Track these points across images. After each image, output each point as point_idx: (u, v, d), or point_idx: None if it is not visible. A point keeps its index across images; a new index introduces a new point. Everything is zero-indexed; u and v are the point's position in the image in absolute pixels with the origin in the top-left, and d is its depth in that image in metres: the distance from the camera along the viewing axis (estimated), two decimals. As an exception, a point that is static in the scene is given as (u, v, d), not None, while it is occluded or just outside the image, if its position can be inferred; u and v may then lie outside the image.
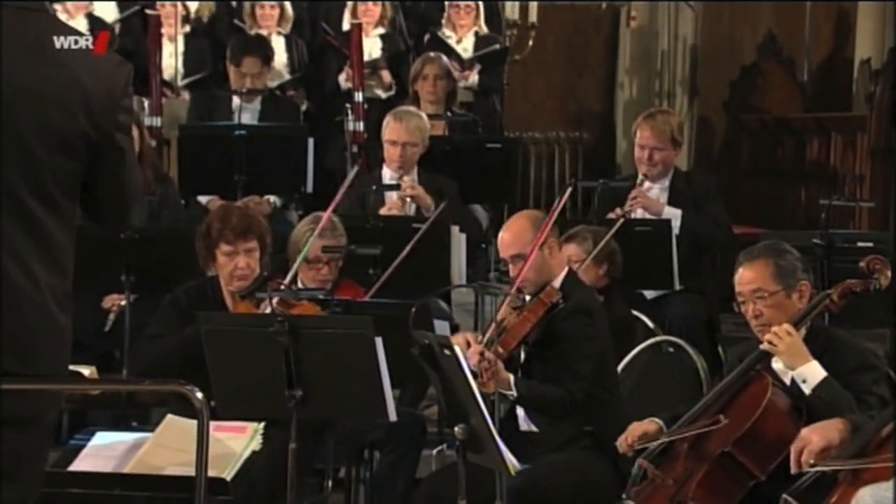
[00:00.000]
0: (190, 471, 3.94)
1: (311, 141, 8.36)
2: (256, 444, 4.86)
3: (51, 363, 3.77)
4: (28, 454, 3.82)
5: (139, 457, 4.79)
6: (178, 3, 9.85)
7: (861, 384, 4.79)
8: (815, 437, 4.46)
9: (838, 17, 11.39)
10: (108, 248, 6.65)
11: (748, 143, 11.78)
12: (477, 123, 9.21)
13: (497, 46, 10.16)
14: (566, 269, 5.67)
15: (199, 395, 3.78)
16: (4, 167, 3.68)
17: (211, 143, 8.28)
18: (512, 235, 5.66)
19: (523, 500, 5.12)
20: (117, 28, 10.04)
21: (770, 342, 4.81)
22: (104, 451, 4.86)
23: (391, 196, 7.61)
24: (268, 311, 5.52)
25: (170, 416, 4.89)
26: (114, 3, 10.28)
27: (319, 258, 6.24)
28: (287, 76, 9.83)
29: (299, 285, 6.16)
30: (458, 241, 6.95)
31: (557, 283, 5.55)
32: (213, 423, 4.43)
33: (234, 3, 10.57)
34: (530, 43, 11.18)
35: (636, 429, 5.04)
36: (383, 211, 7.51)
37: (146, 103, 8.89)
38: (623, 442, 5.04)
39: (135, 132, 7.38)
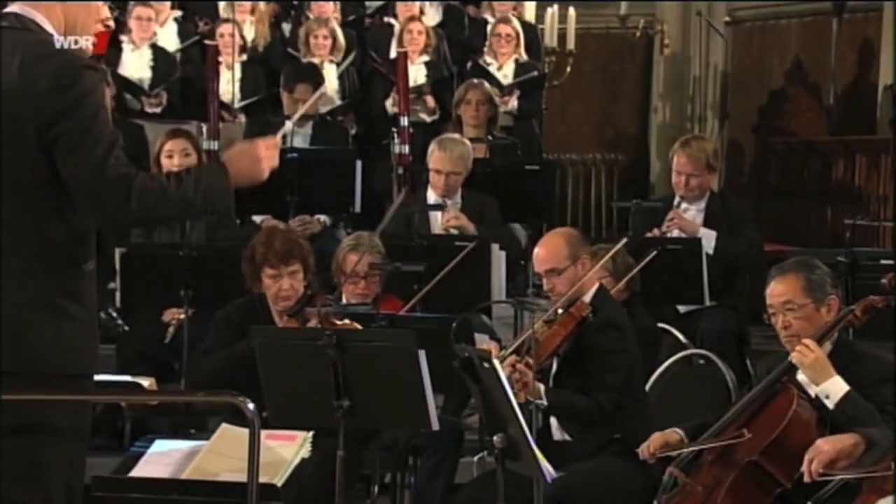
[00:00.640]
0: (243, 477, 3.96)
1: (359, 163, 8.36)
2: (306, 451, 4.84)
3: (45, 360, 3.77)
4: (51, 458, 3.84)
5: (195, 463, 4.79)
6: (236, 33, 9.87)
7: (883, 395, 4.75)
8: (826, 447, 4.45)
9: (862, 44, 11.31)
10: (168, 265, 6.71)
11: (776, 165, 11.72)
12: (516, 146, 9.21)
13: (535, 73, 10.13)
14: (597, 284, 5.66)
15: (251, 405, 3.80)
16: None
17: (266, 165, 8.27)
18: (547, 251, 5.63)
19: (560, 504, 5.12)
20: (178, 57, 10.10)
21: (796, 356, 4.80)
22: (162, 457, 4.85)
23: (435, 216, 7.61)
24: (313, 324, 5.54)
25: (224, 425, 4.89)
26: (175, 34, 10.33)
27: (359, 273, 6.25)
28: (337, 102, 9.84)
29: (343, 300, 6.17)
30: (498, 258, 6.95)
31: (588, 297, 5.54)
32: (264, 432, 4.44)
33: (287, 33, 10.62)
34: (568, 69, 11.16)
35: (658, 438, 5.04)
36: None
37: (204, 128, 8.93)
38: (645, 450, 5.04)
39: (192, 154, 7.51)
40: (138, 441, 5.12)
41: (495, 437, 4.61)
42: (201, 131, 8.87)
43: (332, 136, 9.25)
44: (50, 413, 3.81)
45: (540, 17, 11.02)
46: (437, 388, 5.00)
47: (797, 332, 4.88)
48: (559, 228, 6.16)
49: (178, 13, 10.49)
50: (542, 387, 5.33)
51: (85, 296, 3.86)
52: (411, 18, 10.13)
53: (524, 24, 10.40)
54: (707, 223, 7.33)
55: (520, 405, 4.77)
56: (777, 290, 4.96)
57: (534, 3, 11.02)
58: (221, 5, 10.68)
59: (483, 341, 6.01)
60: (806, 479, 4.48)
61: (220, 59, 9.58)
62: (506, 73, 10.01)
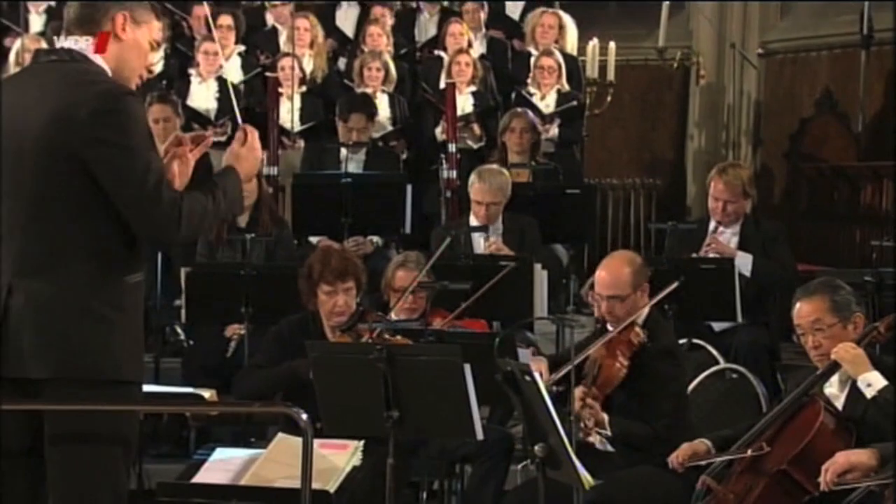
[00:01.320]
0: (297, 483, 3.97)
1: (409, 187, 8.38)
2: (357, 459, 4.85)
3: (88, 366, 3.77)
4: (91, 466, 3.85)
5: (253, 470, 4.80)
6: (296, 66, 9.92)
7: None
8: (842, 458, 4.43)
9: (889, 75, 11.22)
10: (230, 283, 6.74)
11: (806, 189, 11.65)
12: (558, 171, 9.18)
13: (575, 103, 10.12)
14: (647, 308, 5.62)
15: (304, 415, 3.80)
16: (22, 192, 3.76)
17: (321, 189, 8.32)
18: (612, 278, 5.57)
19: (599, 511, 5.10)
20: (242, 88, 10.16)
21: (837, 353, 4.78)
22: (223, 464, 4.87)
23: (479, 238, 7.60)
24: (365, 339, 5.54)
25: (280, 434, 4.90)
26: (239, 67, 10.39)
27: (404, 287, 6.25)
28: (389, 128, 9.86)
29: (392, 317, 6.17)
30: (541, 277, 6.94)
31: (640, 319, 5.51)
32: (317, 441, 4.45)
33: (342, 66, 10.66)
34: (609, 99, 11.11)
35: (686, 448, 5.03)
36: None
37: (264, 154, 8.96)
38: (674, 459, 5.02)
39: (252, 179, 7.52)
40: (200, 449, 5.14)
41: (536, 447, 4.60)
42: (262, 158, 8.90)
43: (384, 162, 9.26)
44: (97, 420, 3.81)
45: (582, 49, 10.99)
46: (482, 399, 5.00)
47: (827, 351, 4.86)
48: (625, 252, 6.08)
49: (242, 48, 10.53)
50: (606, 417, 5.33)
51: (128, 306, 3.86)
52: (459, 51, 10.13)
53: (566, 56, 10.37)
54: (742, 245, 7.29)
55: (562, 416, 4.77)
56: (804, 311, 4.93)
57: (576, 37, 11.00)
58: (282, 40, 10.73)
59: (526, 356, 5.98)
60: (822, 487, 4.46)
61: (281, 89, 9.65)
62: (548, 103, 10.00)
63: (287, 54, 10.06)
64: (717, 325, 7.18)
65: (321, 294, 5.94)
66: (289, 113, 9.74)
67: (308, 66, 10.33)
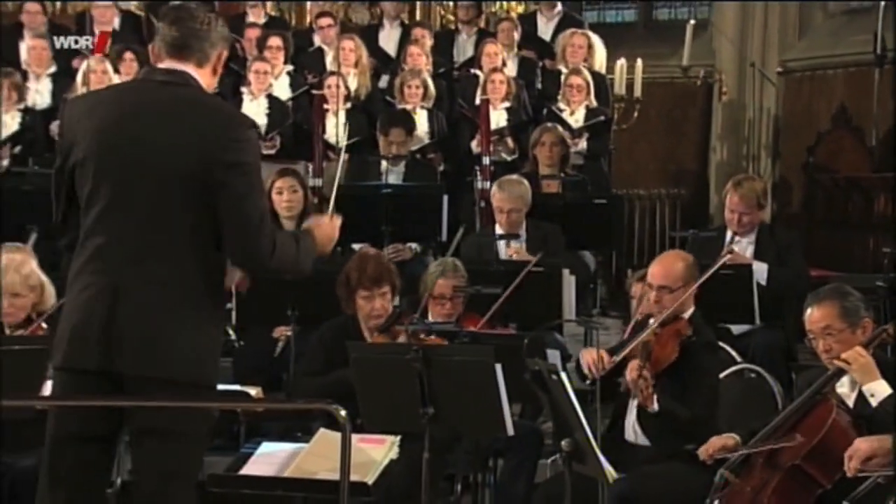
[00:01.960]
0: (337, 476, 3.96)
1: (445, 197, 8.36)
2: (394, 453, 4.85)
3: (168, 365, 3.80)
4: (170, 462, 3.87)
5: (296, 463, 4.81)
6: (341, 84, 9.94)
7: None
8: (864, 446, 4.38)
9: (901, 92, 11.19)
10: (277, 288, 6.74)
11: (823, 199, 11.58)
12: (586, 182, 9.16)
13: (603, 118, 10.09)
14: (694, 307, 5.60)
15: (343, 412, 3.80)
16: (136, 206, 3.77)
17: (363, 199, 8.31)
18: (665, 270, 5.61)
19: (623, 502, 5.05)
20: (290, 105, 10.18)
21: (846, 360, 4.72)
22: (268, 458, 4.89)
23: (502, 244, 7.61)
24: (401, 339, 5.55)
25: (322, 430, 4.90)
26: (287, 85, 10.42)
27: (444, 294, 6.24)
28: (428, 142, 9.86)
29: (429, 319, 6.17)
30: (569, 282, 6.92)
31: (687, 314, 5.50)
32: (357, 436, 4.46)
33: (385, 84, 10.67)
34: (636, 114, 11.08)
35: (716, 442, 4.97)
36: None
37: (310, 167, 9.00)
38: (704, 452, 4.98)
39: (299, 191, 7.54)
40: (247, 443, 5.15)
41: (563, 442, 4.59)
42: (307, 170, 8.94)
43: (422, 174, 9.26)
44: (186, 419, 3.86)
45: (610, 67, 10.98)
46: (514, 397, 4.99)
47: (837, 354, 4.81)
48: (680, 251, 6.14)
49: (290, 67, 10.57)
50: (655, 394, 5.30)
51: (218, 321, 3.94)
52: (494, 70, 10.13)
53: (594, 74, 10.35)
54: (757, 254, 7.24)
55: (588, 414, 4.75)
56: (815, 317, 4.89)
57: (604, 56, 10.99)
58: (328, 59, 10.76)
59: (555, 357, 5.97)
60: (849, 474, 4.41)
61: (327, 106, 9.67)
62: (577, 118, 9.97)
63: (333, 73, 10.08)
64: (736, 329, 7.12)
65: (359, 300, 5.96)
66: (334, 128, 9.76)
67: (352, 83, 10.34)
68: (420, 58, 10.42)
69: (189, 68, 3.88)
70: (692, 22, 11.97)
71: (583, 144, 9.92)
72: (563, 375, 4.55)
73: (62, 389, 3.85)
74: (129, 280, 3.77)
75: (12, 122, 9.52)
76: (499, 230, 7.75)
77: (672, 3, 13.47)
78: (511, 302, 6.46)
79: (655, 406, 5.29)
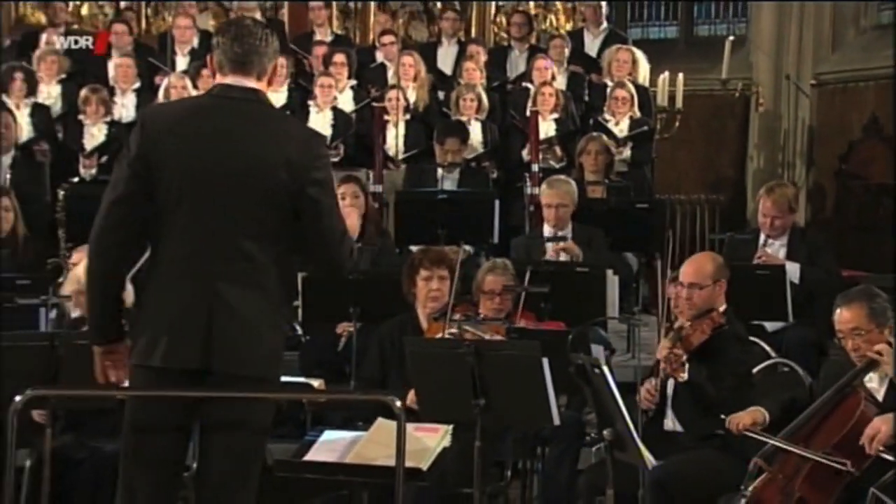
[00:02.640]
0: (394, 462, 3.97)
1: (497, 202, 8.36)
2: (447, 441, 4.82)
3: (254, 364, 3.81)
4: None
5: (356, 450, 4.80)
6: (401, 97, 9.95)
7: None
8: (885, 427, 4.33)
9: (930, 103, 11.06)
10: (340, 286, 6.75)
11: (854, 204, 11.49)
12: (630, 188, 9.13)
13: (645, 128, 10.06)
14: (725, 304, 5.56)
15: (398, 402, 3.80)
16: (226, 215, 3.77)
17: (420, 204, 8.34)
18: (694, 269, 5.56)
19: (661, 488, 5.02)
20: (353, 117, 10.21)
21: (878, 352, 4.70)
22: (330, 445, 4.88)
23: (550, 246, 7.57)
24: (452, 331, 5.53)
25: (380, 419, 4.88)
26: (351, 98, 10.45)
27: (493, 290, 6.22)
28: (481, 151, 9.86)
29: (481, 315, 6.15)
30: (612, 281, 6.88)
31: (721, 309, 5.47)
32: (412, 425, 4.46)
33: (442, 97, 10.68)
34: (677, 124, 11.03)
35: (745, 416, 4.96)
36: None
37: (371, 174, 9.02)
38: (734, 425, 4.96)
39: (360, 196, 7.56)
40: (311, 431, 5.16)
41: (605, 431, 4.57)
42: (368, 177, 8.96)
43: (476, 180, 9.27)
44: (258, 411, 3.88)
45: (653, 81, 10.93)
46: (559, 389, 4.97)
47: (865, 353, 4.78)
48: (709, 252, 6.15)
49: (354, 81, 10.61)
50: (686, 366, 5.28)
51: (290, 320, 3.97)
52: (544, 83, 10.12)
53: (638, 87, 10.32)
54: (789, 255, 7.17)
55: (630, 405, 4.72)
56: (844, 318, 4.86)
57: (647, 70, 10.94)
58: (389, 74, 10.78)
59: (599, 352, 5.94)
60: (869, 452, 4.36)
61: (388, 117, 9.69)
62: (622, 128, 9.94)
63: (393, 87, 10.10)
64: (770, 326, 7.06)
65: (419, 280, 6.00)
66: (394, 138, 9.78)
67: (412, 97, 10.35)
68: (475, 73, 10.42)
69: (251, 82, 3.90)
70: (731, 38, 11.94)
71: (627, 153, 9.88)
72: (605, 369, 4.53)
73: (146, 383, 3.85)
74: (224, 284, 3.77)
75: (99, 134, 9.65)
76: (547, 231, 7.71)
77: (711, 21, 13.39)
78: (558, 300, 6.44)
79: (685, 375, 5.25)
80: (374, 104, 9.86)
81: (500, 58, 11.44)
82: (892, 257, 10.23)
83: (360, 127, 10.12)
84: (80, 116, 9.66)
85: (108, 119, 9.72)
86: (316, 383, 5.21)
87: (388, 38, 11.17)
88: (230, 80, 3.89)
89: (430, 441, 4.77)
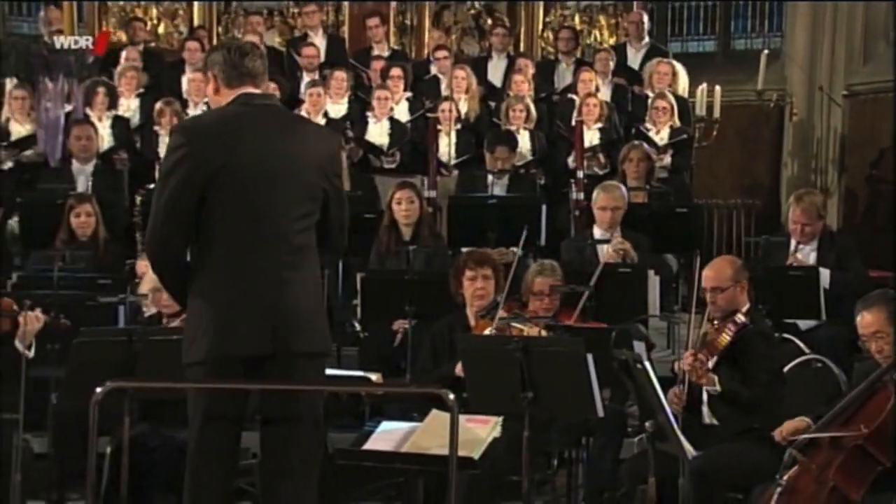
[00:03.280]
0: (448, 451, 3.96)
1: (544, 207, 8.32)
2: (497, 432, 4.83)
3: (320, 341, 4.00)
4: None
5: (412, 440, 4.81)
6: (454, 108, 9.95)
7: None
8: None
9: (955, 112, 10.91)
10: (397, 286, 6.78)
11: (884, 208, 11.34)
12: (670, 194, 9.07)
13: (685, 136, 10.00)
14: (749, 304, 5.49)
15: (451, 396, 3.80)
16: (277, 210, 3.92)
17: (471, 209, 8.33)
18: (714, 273, 5.50)
19: (701, 477, 4.97)
20: (409, 126, 10.22)
21: None
22: (387, 435, 4.89)
23: (602, 248, 7.50)
24: (497, 323, 5.52)
25: (434, 411, 4.88)
26: (407, 109, 10.45)
27: (542, 291, 6.21)
28: (529, 158, 9.83)
29: (527, 313, 6.14)
30: (654, 281, 6.87)
31: (744, 309, 5.39)
32: (464, 416, 4.46)
33: (492, 107, 10.67)
34: (714, 133, 10.97)
35: (790, 425, 4.87)
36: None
37: (425, 180, 9.03)
38: (778, 434, 4.88)
39: (416, 201, 7.57)
40: (369, 422, 5.17)
41: (647, 423, 4.56)
42: (423, 183, 8.97)
43: (524, 186, 9.25)
44: (317, 395, 4.03)
45: (692, 92, 10.87)
46: (603, 383, 4.95)
47: (889, 354, 4.72)
48: (727, 255, 6.12)
49: (410, 94, 10.62)
50: (715, 377, 5.22)
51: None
52: (588, 94, 10.09)
53: (678, 98, 10.27)
54: (819, 259, 7.09)
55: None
56: (866, 321, 4.80)
57: (687, 82, 10.88)
58: (443, 87, 10.78)
59: (640, 348, 5.90)
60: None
61: (440, 127, 9.70)
62: (662, 137, 9.89)
63: (446, 98, 10.10)
64: (803, 325, 6.98)
65: (465, 280, 6.00)
66: (446, 147, 9.78)
67: (463, 108, 10.35)
68: (523, 85, 10.40)
69: (262, 91, 4.12)
70: (766, 51, 11.83)
71: (667, 160, 9.83)
72: (647, 364, 4.50)
73: (217, 374, 3.88)
74: (288, 274, 3.91)
75: (173, 144, 9.72)
76: (597, 233, 7.67)
77: (748, 35, 13.26)
78: (602, 299, 6.41)
79: (717, 387, 5.19)
80: (429, 115, 9.87)
81: (548, 70, 11.42)
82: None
83: (415, 136, 10.13)
84: (156, 127, 9.75)
85: (181, 130, 9.79)
86: (374, 377, 5.23)
87: (441, 53, 11.18)
88: (246, 90, 4.03)
89: (481, 432, 4.77)
